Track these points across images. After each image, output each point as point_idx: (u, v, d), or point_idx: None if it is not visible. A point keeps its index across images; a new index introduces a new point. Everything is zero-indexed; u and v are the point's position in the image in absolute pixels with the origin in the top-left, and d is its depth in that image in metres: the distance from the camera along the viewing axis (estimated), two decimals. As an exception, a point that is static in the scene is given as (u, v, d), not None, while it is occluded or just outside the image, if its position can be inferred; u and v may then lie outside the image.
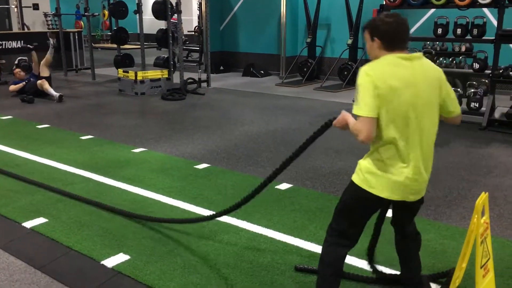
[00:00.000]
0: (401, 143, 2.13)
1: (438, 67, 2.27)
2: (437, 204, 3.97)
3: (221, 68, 12.24)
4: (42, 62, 8.73)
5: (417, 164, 2.17)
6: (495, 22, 7.08)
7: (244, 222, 3.59)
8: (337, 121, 2.35)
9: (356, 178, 2.28)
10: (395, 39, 2.16)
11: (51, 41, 9.09)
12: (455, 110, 2.30)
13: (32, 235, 3.42)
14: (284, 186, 4.34)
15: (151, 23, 14.72)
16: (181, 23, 9.41)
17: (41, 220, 3.62)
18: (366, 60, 10.06)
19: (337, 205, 2.39)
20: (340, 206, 2.37)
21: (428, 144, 2.21)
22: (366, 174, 2.23)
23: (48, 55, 8.85)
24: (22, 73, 9.09)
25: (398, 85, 2.09)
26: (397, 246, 2.58)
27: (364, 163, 2.26)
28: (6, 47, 11.50)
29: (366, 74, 2.13)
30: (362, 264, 2.94)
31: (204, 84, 10.07)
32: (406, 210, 2.42)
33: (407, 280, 2.60)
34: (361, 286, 2.76)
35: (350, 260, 2.98)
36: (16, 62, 11.37)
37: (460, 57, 8.57)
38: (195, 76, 9.97)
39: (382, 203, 2.28)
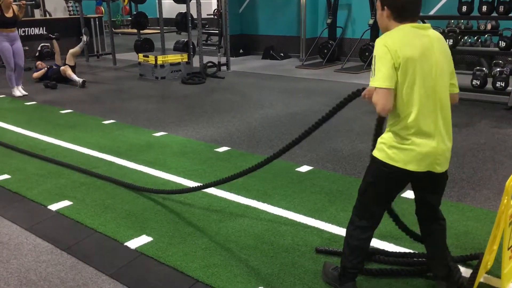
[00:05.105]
0: (423, 113, 2.09)
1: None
2: (461, 185, 3.90)
3: (241, 51, 12.17)
4: (70, 51, 8.82)
5: (440, 133, 2.14)
6: (523, -2, 6.84)
7: (265, 204, 3.60)
8: (366, 91, 2.27)
9: (378, 154, 2.23)
10: (407, 9, 2.11)
11: (85, 38, 9.22)
12: (457, 86, 2.27)
13: (57, 217, 3.50)
14: (304, 168, 4.32)
15: (170, 7, 14.71)
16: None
17: (66, 203, 3.69)
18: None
19: (361, 185, 2.36)
20: (364, 186, 2.34)
21: (447, 114, 2.18)
22: (389, 149, 2.18)
23: (78, 48, 8.99)
24: (44, 64, 9.22)
25: (417, 55, 2.07)
26: (423, 234, 2.48)
27: (386, 138, 2.21)
28: (29, 33, 11.65)
29: (382, 45, 2.08)
30: (385, 245, 2.93)
31: (223, 68, 10.04)
32: (433, 186, 2.32)
33: (435, 270, 2.48)
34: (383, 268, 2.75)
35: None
36: (39, 48, 11.55)
37: (486, 36, 8.34)
38: (214, 59, 9.95)
39: (408, 178, 2.22)
